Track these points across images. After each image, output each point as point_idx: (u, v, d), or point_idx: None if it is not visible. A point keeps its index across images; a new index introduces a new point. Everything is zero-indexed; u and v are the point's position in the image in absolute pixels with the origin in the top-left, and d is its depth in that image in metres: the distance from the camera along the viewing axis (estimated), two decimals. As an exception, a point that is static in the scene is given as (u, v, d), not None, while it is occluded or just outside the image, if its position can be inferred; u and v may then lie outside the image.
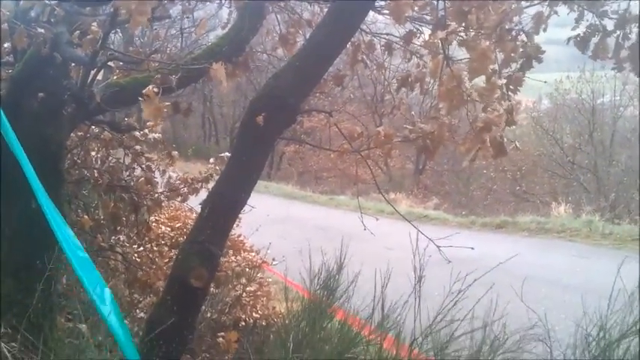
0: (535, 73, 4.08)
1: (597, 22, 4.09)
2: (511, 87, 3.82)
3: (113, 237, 6.14)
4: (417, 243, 4.11)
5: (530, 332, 3.94)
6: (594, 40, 4.09)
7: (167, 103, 3.13)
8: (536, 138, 32.93)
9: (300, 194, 25.79)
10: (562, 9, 4.09)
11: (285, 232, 13.52)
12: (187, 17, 6.10)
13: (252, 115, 3.90)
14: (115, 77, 4.43)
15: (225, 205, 4.02)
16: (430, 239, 4.40)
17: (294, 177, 33.73)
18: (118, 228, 6.14)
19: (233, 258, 7.04)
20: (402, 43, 5.40)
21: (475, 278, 4.03)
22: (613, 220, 16.00)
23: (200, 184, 6.23)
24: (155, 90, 2.93)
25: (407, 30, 5.10)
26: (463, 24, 3.68)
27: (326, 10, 4.63)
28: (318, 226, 16.09)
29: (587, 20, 4.13)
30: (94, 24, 3.60)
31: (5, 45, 3.93)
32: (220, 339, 5.06)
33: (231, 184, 4.03)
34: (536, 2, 4.01)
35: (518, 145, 4.80)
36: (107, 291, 3.32)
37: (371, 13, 5.41)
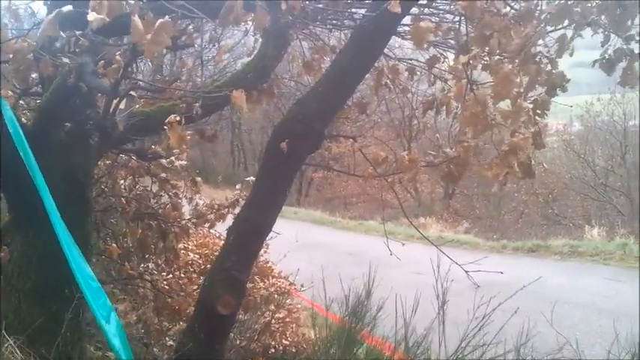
0: (565, 96, 4.05)
1: (624, 46, 4.06)
2: (538, 111, 3.79)
3: (142, 265, 6.17)
4: (439, 267, 4.08)
5: (560, 357, 3.87)
6: (622, 64, 4.05)
7: (190, 132, 3.15)
8: (568, 160, 32.63)
9: (329, 220, 25.73)
10: (588, 32, 4.06)
11: (314, 257, 13.47)
12: (213, 45, 6.15)
13: (276, 140, 3.92)
14: (139, 106, 4.48)
15: (250, 231, 4.02)
16: (458, 264, 4.36)
17: (323, 203, 33.69)
18: (147, 256, 6.17)
19: (261, 284, 7.02)
20: (425, 68, 5.39)
21: (500, 302, 3.97)
22: (648, 244, 15.67)
23: (227, 209, 6.25)
24: (177, 119, 2.95)
25: (431, 55, 5.09)
26: (486, 48, 3.67)
27: (349, 35, 4.65)
28: (347, 251, 16.02)
29: (613, 45, 4.09)
30: (118, 54, 3.65)
31: (33, 75, 4.00)
32: (249, 366, 5.04)
33: (257, 209, 4.03)
34: (559, 27, 3.98)
35: (546, 166, 4.75)
36: (114, 316, 3.33)
37: (396, 38, 5.43)
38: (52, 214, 3.39)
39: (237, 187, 6.63)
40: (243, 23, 4.77)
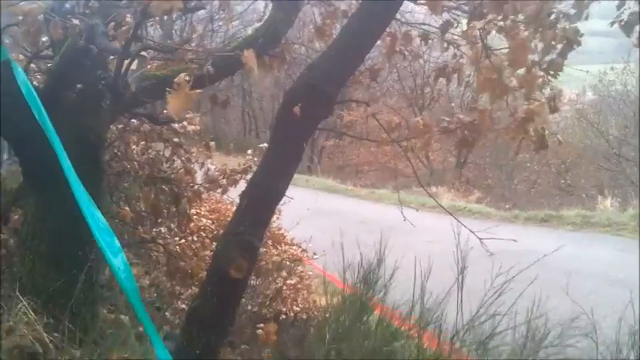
0: (578, 64, 4.00)
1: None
2: (551, 72, 3.73)
3: (155, 229, 6.20)
4: (459, 235, 4.06)
5: (575, 326, 3.87)
6: (637, 27, 3.99)
7: (198, 91, 3.11)
8: (581, 130, 32.38)
9: (341, 188, 25.74)
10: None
11: (326, 225, 13.48)
12: (223, 10, 6.10)
13: (288, 105, 3.88)
14: (150, 67, 4.46)
15: (263, 196, 4.01)
16: (472, 231, 4.35)
17: (335, 171, 33.67)
18: (159, 220, 6.19)
19: (273, 250, 7.06)
20: (438, 34, 5.32)
21: (518, 271, 3.97)
22: (661, 214, 15.59)
23: (239, 175, 6.25)
24: (187, 78, 2.93)
25: (444, 20, 5.03)
26: (501, 14, 3.61)
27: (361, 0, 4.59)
28: (358, 219, 16.04)
29: (630, 8, 4.03)
30: (129, 15, 3.62)
31: (44, 39, 3.98)
32: (260, 331, 5.08)
33: (269, 174, 4.02)
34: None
35: (560, 139, 4.70)
36: (122, 255, 3.36)
37: (408, 2, 5.36)
38: (67, 169, 3.39)
39: (249, 152, 6.62)
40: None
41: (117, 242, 3.41)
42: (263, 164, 4.18)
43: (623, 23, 4.08)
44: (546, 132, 3.82)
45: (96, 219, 3.39)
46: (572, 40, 3.75)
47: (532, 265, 4.35)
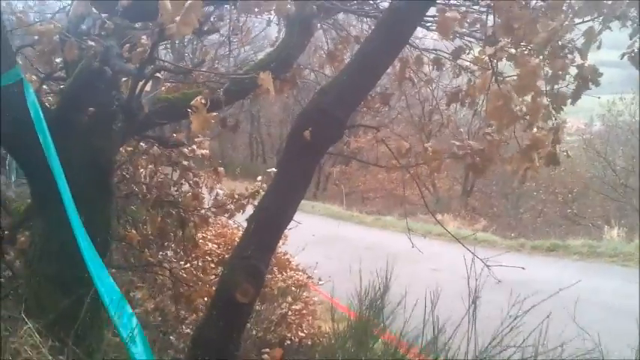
0: (586, 94, 3.98)
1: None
2: (554, 106, 3.72)
3: (161, 252, 6.18)
4: (473, 264, 4.01)
5: (587, 357, 3.81)
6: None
7: (214, 114, 3.12)
8: (588, 160, 32.33)
9: (347, 214, 25.72)
10: (614, 27, 3.99)
11: (332, 252, 13.48)
12: (236, 34, 6.14)
13: (298, 129, 3.87)
14: (163, 89, 4.48)
15: (270, 221, 3.99)
16: (480, 259, 4.30)
17: (341, 197, 33.66)
18: (166, 243, 6.17)
19: (279, 276, 7.03)
20: (450, 59, 5.34)
21: (532, 305, 3.92)
22: (669, 246, 15.50)
23: (247, 200, 6.23)
24: (203, 101, 2.93)
25: (456, 46, 5.04)
26: (512, 40, 3.61)
27: (373, 26, 4.60)
28: (364, 246, 15.98)
29: None
30: (144, 37, 3.63)
31: (58, 60, 3.99)
32: (265, 356, 5.02)
33: (277, 199, 4.00)
34: (587, 19, 3.91)
35: (570, 154, 4.65)
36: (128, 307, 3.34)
37: (420, 29, 5.38)
38: (66, 201, 3.38)
39: (259, 178, 6.61)
40: (265, 13, 4.77)
41: (117, 289, 3.39)
42: (272, 188, 4.16)
43: (633, 55, 4.08)
44: (558, 150, 3.80)
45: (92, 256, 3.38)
46: (587, 79, 3.74)
47: (539, 296, 4.29)
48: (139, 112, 3.75)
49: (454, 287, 4.16)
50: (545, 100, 3.63)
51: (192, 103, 2.93)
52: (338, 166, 38.31)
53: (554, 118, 3.83)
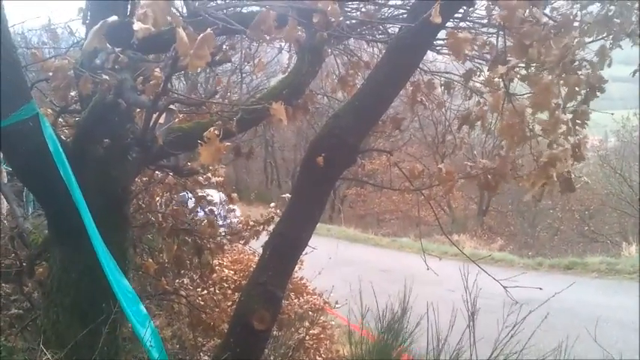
0: (601, 110, 3.99)
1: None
2: (578, 121, 3.73)
3: (177, 280, 6.20)
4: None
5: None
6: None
7: (227, 143, 3.15)
8: (604, 176, 32.08)
9: (363, 237, 25.67)
10: (626, 43, 4.00)
11: (348, 274, 13.38)
12: (248, 63, 6.21)
13: (312, 155, 3.91)
14: (177, 121, 4.52)
15: (286, 246, 4.01)
16: (496, 279, 4.29)
17: (356, 220, 33.63)
18: (182, 271, 6.20)
19: (296, 301, 7.01)
20: (461, 82, 5.36)
21: (541, 321, 3.90)
22: (687, 261, 15.35)
23: (261, 226, 6.26)
24: (216, 132, 2.96)
25: (466, 69, 5.06)
26: (524, 59, 3.62)
27: (384, 51, 4.64)
28: (380, 268, 15.93)
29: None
30: (157, 69, 3.68)
31: (72, 93, 4.05)
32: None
33: (292, 224, 4.02)
34: (598, 38, 3.93)
35: (587, 180, 4.66)
36: (152, 325, 3.36)
37: (430, 52, 5.41)
38: (89, 227, 3.42)
39: (272, 204, 6.64)
40: (277, 40, 4.82)
41: (144, 310, 3.41)
42: (287, 214, 4.18)
43: (644, 71, 4.09)
44: (572, 176, 3.79)
45: (123, 287, 3.41)
46: (595, 87, 3.75)
47: (558, 314, 4.27)
48: (153, 143, 3.79)
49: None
50: (563, 117, 3.64)
51: (205, 134, 2.95)
52: (353, 188, 38.31)
53: (575, 135, 3.82)
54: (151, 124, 3.64)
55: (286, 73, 5.53)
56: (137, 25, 2.34)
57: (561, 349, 3.91)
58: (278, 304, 4.00)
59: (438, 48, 5.57)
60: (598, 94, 3.81)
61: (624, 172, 30.38)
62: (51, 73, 3.55)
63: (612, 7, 3.75)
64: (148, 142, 3.77)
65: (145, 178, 5.73)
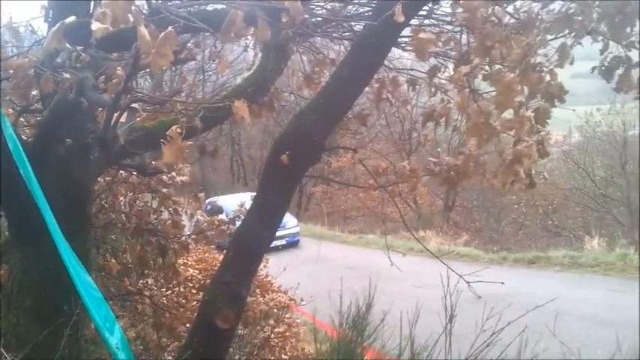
0: (563, 106, 4.04)
1: (622, 54, 4.05)
2: (539, 119, 3.77)
3: (141, 281, 6.14)
4: (448, 281, 4.03)
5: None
6: (619, 71, 4.05)
7: (190, 142, 3.12)
8: (567, 171, 32.62)
9: (329, 234, 25.74)
10: (587, 41, 4.06)
11: (315, 272, 13.45)
12: (213, 61, 6.15)
13: (277, 152, 3.89)
14: (139, 119, 4.46)
15: (250, 245, 3.99)
16: (460, 275, 4.33)
17: (323, 217, 33.67)
18: (146, 271, 6.13)
19: (261, 298, 6.98)
20: (426, 79, 5.38)
21: (508, 322, 3.93)
22: (649, 254, 15.66)
23: (227, 226, 6.21)
24: (179, 131, 2.92)
25: (431, 65, 5.08)
26: (488, 59, 3.65)
27: (349, 49, 4.64)
28: (347, 265, 15.98)
29: (612, 52, 4.10)
30: (119, 68, 3.63)
31: (34, 92, 3.97)
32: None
33: (256, 223, 4.01)
34: (560, 36, 3.98)
35: (547, 176, 4.73)
36: (118, 328, 3.31)
37: (395, 49, 5.42)
38: (52, 228, 3.37)
39: (238, 204, 6.60)
40: (243, 38, 4.78)
41: (112, 314, 3.37)
42: (251, 212, 4.16)
43: (603, 69, 4.15)
44: (533, 172, 3.83)
45: (89, 289, 3.36)
46: (555, 96, 3.80)
47: (520, 308, 4.31)
48: (114, 143, 3.74)
49: (437, 303, 4.17)
50: (527, 114, 3.68)
51: (168, 132, 2.92)
52: (319, 186, 38.33)
53: (538, 132, 3.87)
54: (112, 123, 3.58)
55: (251, 71, 5.50)
56: (95, 25, 2.30)
57: (522, 344, 3.95)
58: (242, 303, 3.99)
59: (403, 45, 5.58)
60: (557, 104, 3.87)
61: (587, 166, 30.93)
62: (12, 72, 3.47)
63: (573, 5, 3.80)
64: (109, 141, 3.71)
65: (108, 178, 5.66)
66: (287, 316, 7.33)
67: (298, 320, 7.83)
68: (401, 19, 3.17)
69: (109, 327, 3.28)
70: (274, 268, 7.71)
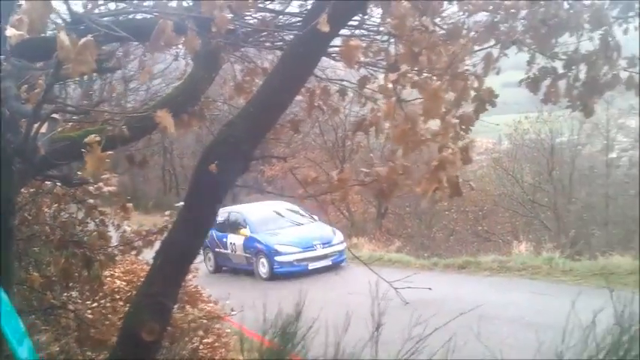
0: (495, 115, 4.14)
1: (549, 65, 4.18)
2: (463, 126, 3.84)
3: (65, 294, 5.97)
4: (377, 288, 4.05)
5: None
6: (546, 82, 4.17)
7: (110, 153, 3.04)
8: (497, 178, 33.37)
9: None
10: (515, 51, 4.17)
11: (247, 282, 13.37)
12: (142, 69, 6.05)
13: (205, 162, 3.85)
14: (60, 129, 4.34)
15: (177, 255, 3.94)
16: (388, 282, 4.36)
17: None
18: (70, 284, 5.97)
19: (190, 310, 6.88)
20: (356, 89, 5.42)
21: (437, 327, 3.97)
22: (573, 257, 16.17)
23: (155, 236, 6.09)
24: (97, 139, 2.85)
25: (361, 75, 5.12)
26: (416, 67, 3.70)
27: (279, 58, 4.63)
28: (279, 273, 15.96)
29: (539, 63, 4.22)
30: (41, 77, 3.53)
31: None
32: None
33: (184, 233, 3.96)
34: (486, 46, 4.07)
35: (473, 185, 4.83)
36: (27, 341, 3.20)
37: (329, 59, 5.45)
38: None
39: (167, 213, 6.49)
40: (174, 47, 4.71)
41: (22, 326, 3.24)
42: (178, 222, 4.11)
43: (530, 80, 4.28)
44: (460, 180, 3.89)
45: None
46: (485, 100, 3.88)
47: (451, 313, 4.37)
48: (33, 155, 3.61)
49: (367, 310, 4.18)
50: (453, 121, 3.74)
51: (86, 140, 2.84)
52: (253, 194, 38.16)
53: (462, 139, 3.93)
54: (33, 133, 3.46)
55: (182, 80, 5.44)
56: (10, 31, 2.22)
57: (449, 349, 3.99)
58: (168, 315, 3.93)
59: (334, 55, 5.61)
60: (488, 107, 3.95)
61: (516, 173, 31.77)
62: None
63: (498, 15, 3.90)
64: (28, 152, 3.59)
65: (32, 190, 5.49)
66: (217, 326, 7.25)
67: (228, 330, 7.75)
68: (326, 29, 3.18)
69: (18, 339, 3.16)
70: (204, 278, 7.59)
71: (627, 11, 4.06)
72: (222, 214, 18.99)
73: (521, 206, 31.29)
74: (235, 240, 18.62)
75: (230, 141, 3.90)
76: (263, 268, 16.92)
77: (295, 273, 15.44)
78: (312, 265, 16.14)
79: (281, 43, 5.66)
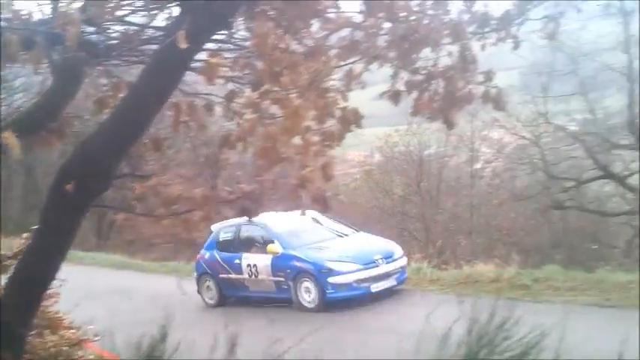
0: (367, 127, 4.22)
1: (412, 79, 4.33)
2: (327, 143, 3.89)
3: None
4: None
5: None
6: (414, 95, 4.31)
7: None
8: (369, 190, 33.97)
9: (130, 263, 25.00)
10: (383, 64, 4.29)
11: (112, 304, 12.84)
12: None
13: (61, 181, 3.69)
14: None
15: (32, 280, 3.73)
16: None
17: (125, 246, 32.42)
18: None
19: (50, 337, 6.53)
20: (224, 103, 5.37)
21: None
22: (440, 266, 16.68)
23: (9, 261, 5.73)
24: None
25: (229, 90, 5.09)
26: (278, 84, 3.72)
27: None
28: (147, 295, 15.42)
29: (403, 78, 4.36)
30: None
31: None
32: None
33: (39, 256, 3.76)
34: (350, 62, 4.16)
35: (343, 199, 4.94)
36: None
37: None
38: None
39: (25, 236, 6.14)
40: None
41: None
42: (32, 245, 3.91)
43: (391, 94, 4.42)
44: (329, 194, 3.95)
45: None
46: (350, 122, 3.95)
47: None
48: None
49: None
50: (313, 139, 3.78)
51: None
52: (121, 213, 36.93)
53: (324, 155, 3.98)
54: None
55: (41, 95, 5.18)
56: None
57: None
58: (21, 343, 3.72)
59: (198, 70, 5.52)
60: (352, 129, 4.03)
61: (387, 185, 32.51)
62: None
63: (359, 32, 4.00)
64: None
65: None
66: (79, 353, 6.92)
67: (92, 357, 7.42)
68: (184, 45, 3.14)
69: None
70: (66, 303, 7.22)
71: (484, 27, 4.24)
72: (226, 229, 15.09)
73: (391, 218, 32.02)
74: (256, 260, 13.83)
75: (87, 159, 3.75)
76: (308, 295, 12.85)
77: (356, 298, 12.56)
78: (375, 287, 12.83)
79: (145, 57, 5.53)
